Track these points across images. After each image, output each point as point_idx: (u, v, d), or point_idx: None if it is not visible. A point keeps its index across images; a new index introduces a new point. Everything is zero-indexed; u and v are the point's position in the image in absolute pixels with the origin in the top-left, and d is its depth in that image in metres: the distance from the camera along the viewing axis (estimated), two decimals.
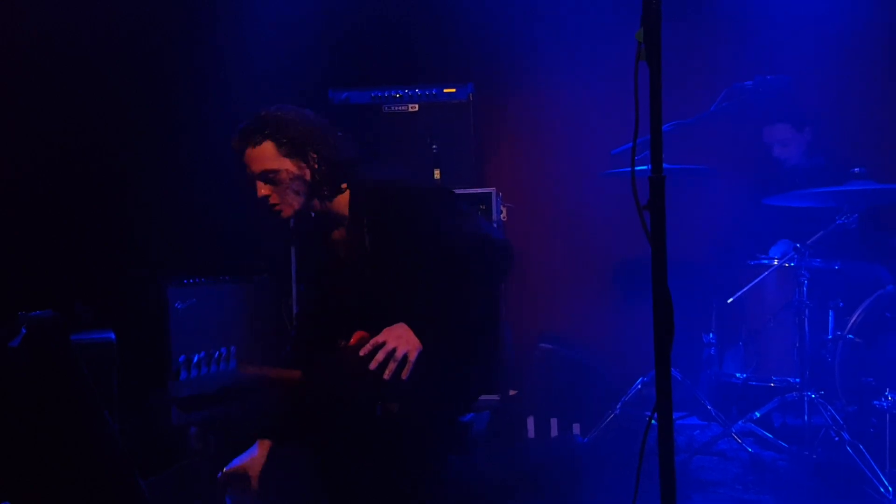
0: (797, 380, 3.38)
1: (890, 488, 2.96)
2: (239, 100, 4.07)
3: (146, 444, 3.30)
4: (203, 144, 4.06)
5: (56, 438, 2.06)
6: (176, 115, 4.04)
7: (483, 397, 3.72)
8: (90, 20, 3.76)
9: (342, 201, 2.57)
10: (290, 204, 2.54)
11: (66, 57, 3.72)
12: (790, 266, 3.44)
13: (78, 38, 3.73)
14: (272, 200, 2.55)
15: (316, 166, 2.52)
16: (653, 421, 1.86)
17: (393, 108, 3.96)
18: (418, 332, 2.35)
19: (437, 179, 3.88)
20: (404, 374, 2.32)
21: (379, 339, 2.34)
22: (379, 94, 3.96)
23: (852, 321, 3.42)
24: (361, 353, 2.32)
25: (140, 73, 3.95)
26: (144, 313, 3.40)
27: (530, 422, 3.93)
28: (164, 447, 3.36)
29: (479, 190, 3.79)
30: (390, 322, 2.39)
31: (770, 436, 3.46)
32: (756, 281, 3.48)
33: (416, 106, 3.95)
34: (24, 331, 2.06)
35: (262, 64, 4.10)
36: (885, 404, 3.11)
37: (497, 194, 3.79)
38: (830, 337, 3.42)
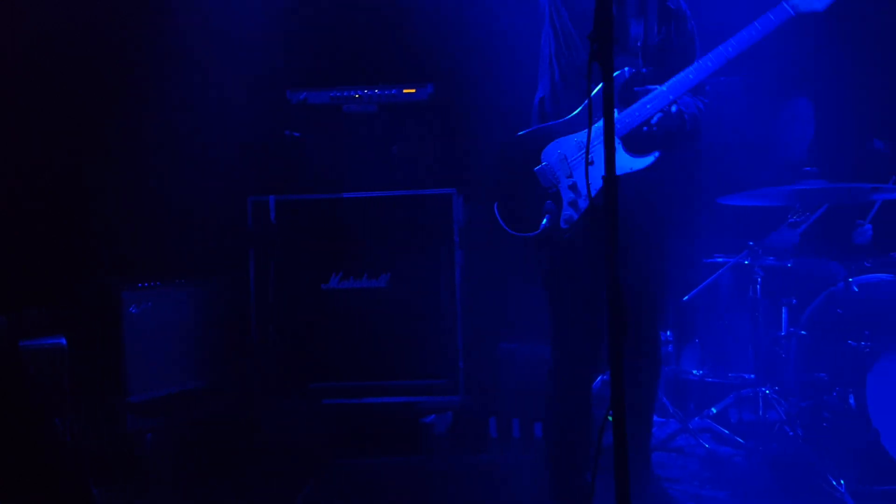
0: (752, 376, 3.43)
1: (842, 481, 3.01)
2: (195, 100, 4.03)
3: (100, 450, 3.25)
4: (159, 146, 4.00)
5: (1, 445, 2.01)
6: (131, 117, 3.98)
7: (445, 398, 3.75)
8: (41, 24, 3.68)
9: None
10: None
11: (20, 58, 3.64)
12: (744, 264, 3.50)
13: (31, 42, 3.66)
14: None
15: None
16: (609, 419, 1.87)
17: (352, 108, 3.94)
18: None
19: None
20: None
21: None
22: (338, 95, 3.93)
23: (805, 318, 3.48)
24: None
25: (94, 74, 3.88)
26: (97, 318, 3.35)
27: (492, 422, 3.94)
28: (120, 454, 3.31)
29: (440, 191, 3.79)
30: None
31: (726, 431, 3.51)
32: (711, 279, 3.53)
33: (376, 106, 3.93)
34: None
35: (218, 64, 4.06)
36: (836, 399, 3.17)
37: (458, 195, 3.79)
38: (784, 333, 3.48)
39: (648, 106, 2.57)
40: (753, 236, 3.43)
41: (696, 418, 3.51)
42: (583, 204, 2.55)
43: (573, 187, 2.57)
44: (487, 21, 4.41)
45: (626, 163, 2.55)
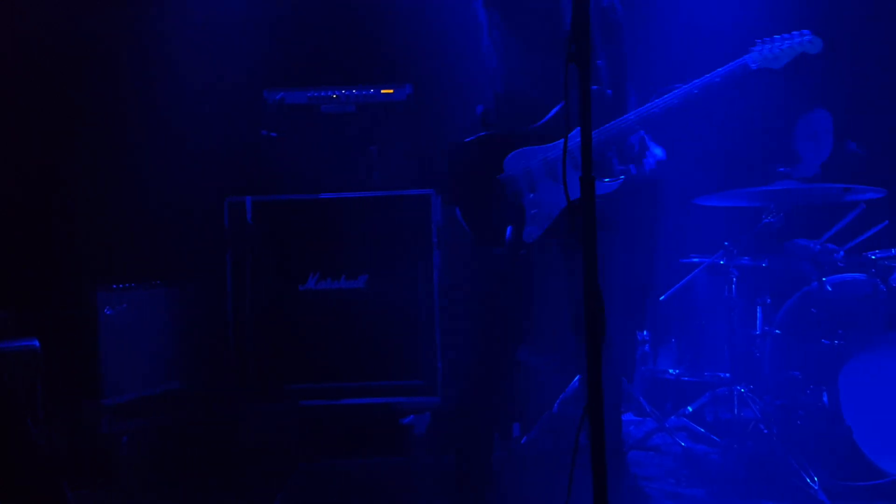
0: (728, 375, 3.46)
1: (816, 479, 3.05)
2: (172, 100, 4.00)
3: (75, 453, 3.21)
4: (135, 146, 3.97)
5: None
6: (106, 117, 3.94)
7: (423, 398, 3.75)
8: (15, 22, 3.64)
9: None
10: None
11: None
12: (720, 264, 3.53)
13: (2, 40, 3.61)
14: None
15: None
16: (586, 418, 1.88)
17: (330, 108, 3.93)
18: None
19: None
20: None
21: None
22: (315, 95, 3.92)
23: (779, 317, 3.52)
24: None
25: (69, 74, 3.84)
26: (72, 319, 3.31)
27: None
28: (95, 457, 3.28)
29: (418, 191, 3.78)
30: None
31: (702, 430, 3.54)
32: (687, 279, 3.56)
33: (354, 106, 3.92)
34: None
35: (195, 64, 4.03)
36: (810, 397, 3.21)
37: (436, 195, 3.79)
38: (759, 333, 3.51)
39: (614, 132, 2.56)
40: (729, 236, 3.46)
41: (673, 417, 3.54)
42: (545, 222, 2.52)
43: (537, 203, 2.54)
44: (466, 22, 4.42)
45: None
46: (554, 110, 2.46)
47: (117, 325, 3.42)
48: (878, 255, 3.44)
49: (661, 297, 3.57)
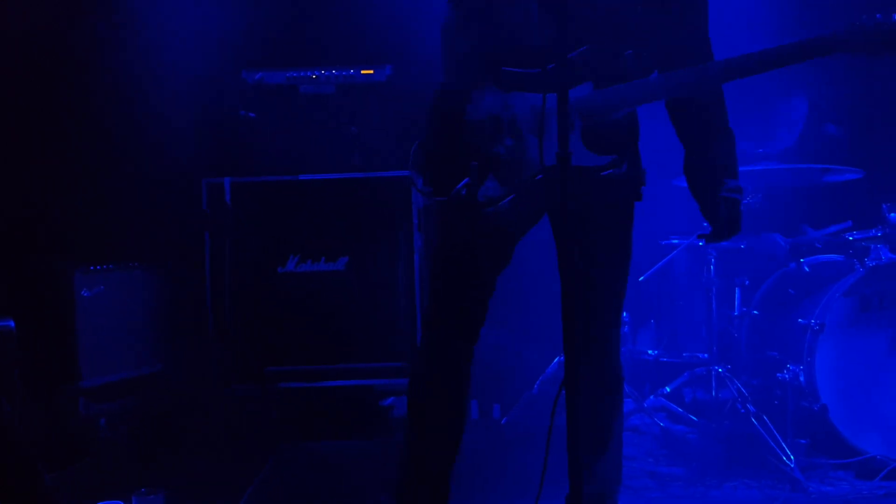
0: (706, 355, 3.49)
1: (792, 457, 3.09)
2: (149, 79, 3.95)
3: (53, 435, 3.19)
4: (112, 126, 3.92)
5: None
6: (82, 97, 3.89)
7: (403, 380, 3.74)
8: None
9: None
10: None
11: None
12: (698, 245, 3.55)
13: None
14: None
15: None
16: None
17: (309, 89, 3.89)
18: None
19: None
20: None
21: None
22: (294, 75, 3.87)
23: (757, 298, 3.55)
24: None
25: (42, 53, 3.78)
26: (48, 301, 3.28)
27: None
28: (73, 439, 3.26)
29: (398, 173, 3.76)
30: None
31: (681, 410, 3.57)
32: (666, 260, 3.57)
33: (334, 87, 3.89)
34: None
35: (173, 44, 3.98)
36: (787, 377, 3.24)
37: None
38: (737, 313, 3.54)
39: (636, 94, 2.07)
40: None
41: (652, 397, 3.57)
42: (512, 184, 2.08)
43: (508, 158, 2.08)
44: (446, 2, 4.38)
45: (583, 156, 2.05)
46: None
47: (94, 307, 3.39)
48: (855, 237, 3.47)
49: (641, 279, 3.59)
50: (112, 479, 3.15)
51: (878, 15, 1.87)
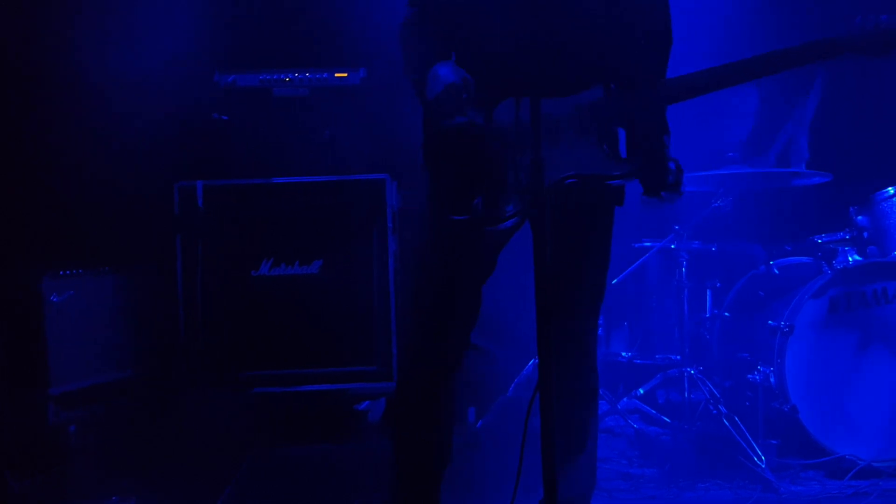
0: (678, 357, 3.52)
1: (763, 457, 3.12)
2: (121, 80, 3.91)
3: (21, 443, 3.14)
4: (82, 129, 3.87)
5: None
6: (52, 98, 3.83)
7: (378, 384, 3.74)
8: None
9: None
10: None
11: None
12: (671, 248, 3.58)
13: None
14: None
15: None
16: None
17: (283, 91, 3.87)
18: None
19: None
20: None
21: None
22: (268, 78, 3.85)
23: (728, 300, 3.58)
24: None
25: (11, 55, 3.73)
26: (16, 306, 3.23)
27: None
28: (42, 447, 3.21)
29: (373, 176, 3.75)
30: None
31: (654, 412, 3.60)
32: (639, 263, 3.60)
33: (307, 90, 3.88)
34: None
35: (144, 44, 3.94)
36: (758, 378, 3.28)
37: (391, 180, 3.77)
38: (708, 315, 3.58)
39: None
40: (679, 221, 3.51)
41: (625, 399, 3.59)
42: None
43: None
44: None
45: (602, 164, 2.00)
46: None
47: (64, 313, 3.34)
48: (824, 239, 3.53)
49: (614, 281, 3.61)
50: (82, 487, 3.10)
51: (883, 16, 1.87)
